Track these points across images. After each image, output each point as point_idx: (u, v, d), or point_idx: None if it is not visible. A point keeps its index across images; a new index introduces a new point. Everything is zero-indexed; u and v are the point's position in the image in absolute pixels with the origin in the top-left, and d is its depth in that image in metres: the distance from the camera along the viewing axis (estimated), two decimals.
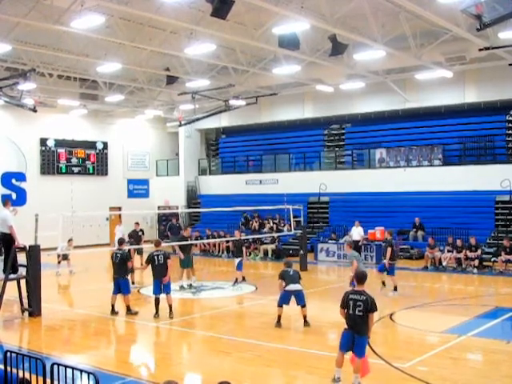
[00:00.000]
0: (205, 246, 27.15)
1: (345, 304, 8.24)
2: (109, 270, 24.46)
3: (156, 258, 13.15)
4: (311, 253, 23.85)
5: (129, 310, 13.61)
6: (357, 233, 22.73)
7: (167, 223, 31.82)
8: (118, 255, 13.64)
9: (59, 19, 16.15)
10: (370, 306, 8.07)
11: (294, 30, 17.07)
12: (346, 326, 8.25)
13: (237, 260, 17.69)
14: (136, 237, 20.84)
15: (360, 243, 22.48)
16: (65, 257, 20.65)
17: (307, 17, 16.13)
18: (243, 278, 17.79)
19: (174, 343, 11.80)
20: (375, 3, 16.71)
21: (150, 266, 13.40)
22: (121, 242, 14.40)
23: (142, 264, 21.29)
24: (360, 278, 8.49)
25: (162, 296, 13.32)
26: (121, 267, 13.55)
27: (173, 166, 35.46)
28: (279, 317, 12.14)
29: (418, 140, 27.39)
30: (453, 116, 26.79)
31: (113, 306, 13.67)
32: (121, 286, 13.51)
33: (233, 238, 20.08)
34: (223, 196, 31.61)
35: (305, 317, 12.25)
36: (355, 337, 8.10)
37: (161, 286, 13.17)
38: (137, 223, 21.98)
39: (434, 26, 18.17)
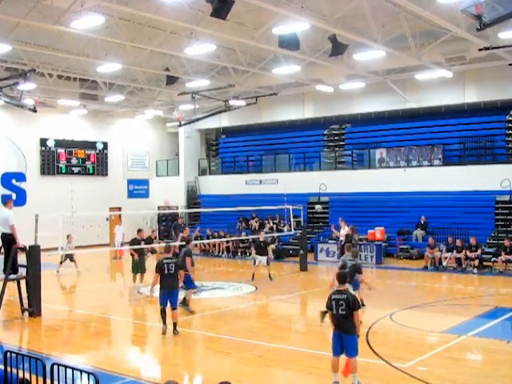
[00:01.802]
0: (205, 246, 27.15)
1: (329, 305, 8.26)
2: (107, 270, 24.62)
3: (166, 266, 11.67)
4: (311, 253, 23.85)
5: (185, 303, 13.81)
6: (343, 232, 22.77)
7: (167, 223, 31.87)
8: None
9: (59, 19, 16.14)
10: (352, 304, 8.08)
11: (294, 30, 17.05)
12: (333, 327, 8.27)
13: (263, 258, 18.67)
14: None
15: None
16: (70, 258, 20.46)
17: (307, 17, 16.12)
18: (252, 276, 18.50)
19: (174, 343, 11.79)
20: (375, 3, 16.70)
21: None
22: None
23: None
24: (340, 277, 8.49)
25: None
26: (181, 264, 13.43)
27: (173, 166, 35.45)
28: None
29: (418, 140, 27.38)
30: (453, 116, 26.78)
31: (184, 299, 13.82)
32: (185, 282, 13.47)
33: (255, 236, 21.10)
34: (223, 196, 31.61)
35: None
36: (343, 337, 8.11)
37: (168, 298, 11.70)
38: (153, 231, 22.26)
39: (433, 26, 18.17)
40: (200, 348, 11.26)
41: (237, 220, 28.61)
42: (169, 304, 11.69)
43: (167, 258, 11.85)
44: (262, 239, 19.18)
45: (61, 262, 20.41)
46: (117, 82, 26.42)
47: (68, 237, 20.22)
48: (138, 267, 17.15)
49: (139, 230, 18.41)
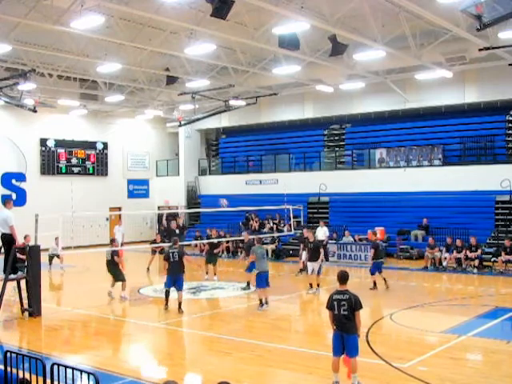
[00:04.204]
0: (204, 245, 27.08)
1: (330, 305, 8.22)
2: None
3: (171, 255, 13.91)
4: None
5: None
6: (322, 233, 22.74)
7: (167, 223, 31.80)
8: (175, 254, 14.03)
9: (59, 19, 16.15)
10: (354, 305, 8.05)
11: (294, 30, 17.05)
12: (334, 327, 8.23)
13: (316, 265, 16.07)
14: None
15: (324, 242, 22.48)
16: (57, 255, 20.86)
17: (307, 17, 16.13)
18: (318, 285, 16.17)
19: (174, 343, 11.80)
20: (375, 3, 16.70)
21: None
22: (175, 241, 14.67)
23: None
24: (341, 277, 8.39)
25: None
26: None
27: (173, 166, 35.45)
28: None
29: (418, 140, 27.38)
30: (453, 116, 26.78)
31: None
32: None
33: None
34: (223, 196, 31.57)
35: None
36: (344, 337, 8.08)
37: (173, 281, 13.87)
38: (157, 234, 23.33)
39: (434, 26, 18.19)
40: (200, 348, 11.26)
41: (244, 217, 28.57)
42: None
43: (172, 248, 14.08)
44: (311, 240, 16.62)
45: (50, 262, 20.77)
46: (117, 82, 26.44)
47: (56, 239, 20.31)
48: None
49: (112, 240, 17.39)
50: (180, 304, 13.75)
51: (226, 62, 22.69)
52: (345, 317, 8.04)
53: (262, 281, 13.83)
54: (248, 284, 17.01)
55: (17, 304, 13.83)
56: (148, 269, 21.37)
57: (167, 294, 14.02)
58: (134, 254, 25.55)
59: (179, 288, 13.87)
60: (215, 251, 19.21)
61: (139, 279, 18.93)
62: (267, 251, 25.35)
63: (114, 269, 15.84)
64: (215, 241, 19.74)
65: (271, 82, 26.19)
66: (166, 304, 13.98)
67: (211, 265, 18.93)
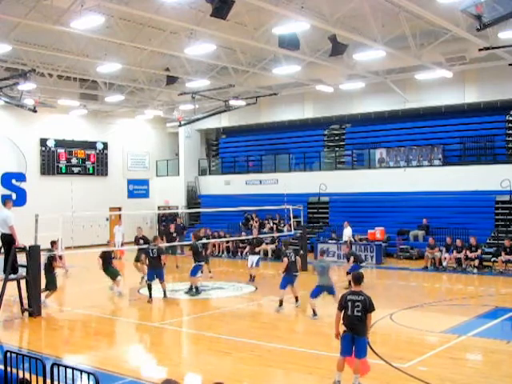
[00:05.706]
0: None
1: (343, 305, 8.22)
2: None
3: (151, 251, 15.37)
4: (311, 253, 23.85)
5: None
6: (347, 233, 22.87)
7: (167, 223, 31.82)
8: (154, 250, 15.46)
9: (59, 19, 16.14)
10: (368, 306, 8.08)
11: (294, 30, 17.04)
12: (344, 329, 8.23)
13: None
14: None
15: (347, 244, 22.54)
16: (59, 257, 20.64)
17: (307, 17, 16.13)
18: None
19: (173, 343, 11.80)
20: (375, 3, 16.70)
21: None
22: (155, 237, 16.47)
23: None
24: (356, 278, 8.45)
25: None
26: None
27: (173, 166, 35.46)
28: None
29: (418, 140, 27.39)
30: (453, 116, 26.79)
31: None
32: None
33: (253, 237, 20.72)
34: (223, 196, 31.61)
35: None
36: (355, 338, 8.09)
37: (155, 274, 15.29)
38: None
39: (434, 26, 18.18)
40: (200, 348, 11.25)
41: (243, 217, 28.55)
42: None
43: (153, 246, 15.60)
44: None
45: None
46: (117, 82, 26.43)
47: (53, 243, 20.05)
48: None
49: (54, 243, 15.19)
50: (165, 292, 15.37)
51: (226, 62, 22.69)
52: (357, 318, 8.06)
53: (316, 293, 13.20)
54: (191, 287, 16.38)
55: (17, 304, 13.83)
56: (177, 266, 21.96)
57: (149, 287, 15.17)
58: (134, 254, 25.53)
59: (161, 279, 15.41)
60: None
61: (139, 279, 18.88)
62: (267, 251, 25.37)
63: (48, 275, 14.49)
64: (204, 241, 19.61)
65: (271, 82, 26.19)
66: (150, 297, 15.07)
67: (204, 264, 18.60)
